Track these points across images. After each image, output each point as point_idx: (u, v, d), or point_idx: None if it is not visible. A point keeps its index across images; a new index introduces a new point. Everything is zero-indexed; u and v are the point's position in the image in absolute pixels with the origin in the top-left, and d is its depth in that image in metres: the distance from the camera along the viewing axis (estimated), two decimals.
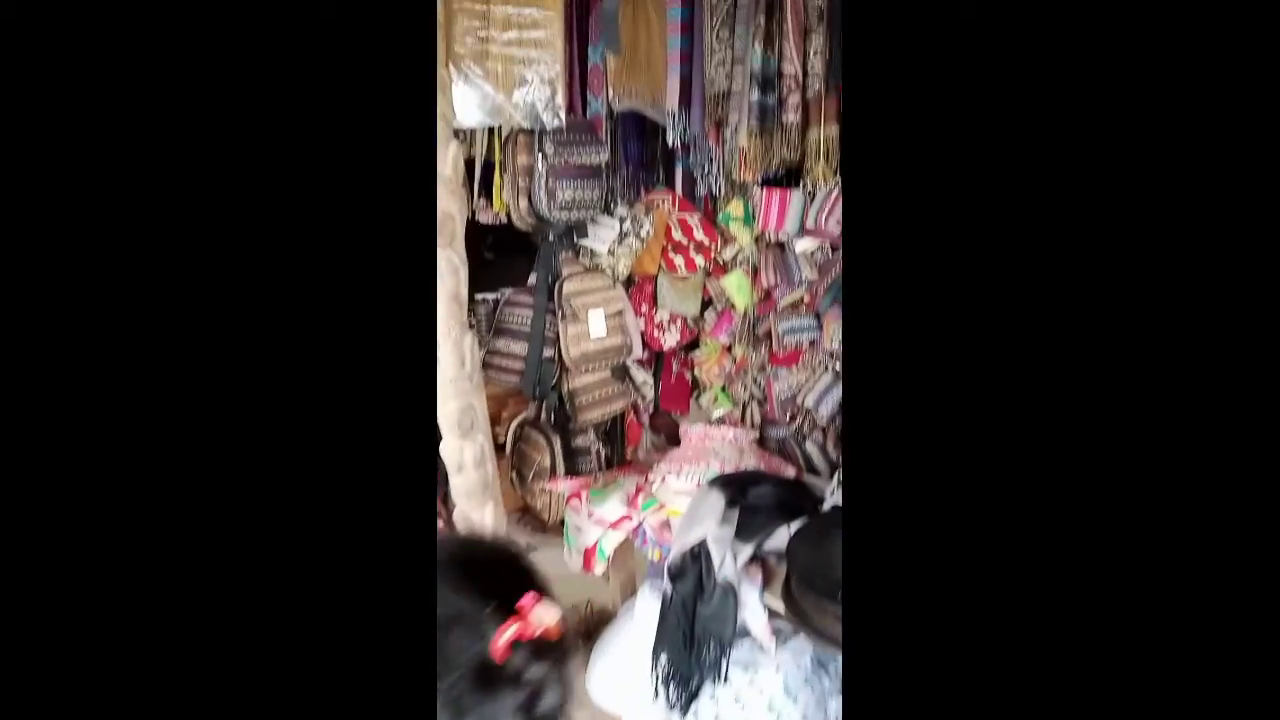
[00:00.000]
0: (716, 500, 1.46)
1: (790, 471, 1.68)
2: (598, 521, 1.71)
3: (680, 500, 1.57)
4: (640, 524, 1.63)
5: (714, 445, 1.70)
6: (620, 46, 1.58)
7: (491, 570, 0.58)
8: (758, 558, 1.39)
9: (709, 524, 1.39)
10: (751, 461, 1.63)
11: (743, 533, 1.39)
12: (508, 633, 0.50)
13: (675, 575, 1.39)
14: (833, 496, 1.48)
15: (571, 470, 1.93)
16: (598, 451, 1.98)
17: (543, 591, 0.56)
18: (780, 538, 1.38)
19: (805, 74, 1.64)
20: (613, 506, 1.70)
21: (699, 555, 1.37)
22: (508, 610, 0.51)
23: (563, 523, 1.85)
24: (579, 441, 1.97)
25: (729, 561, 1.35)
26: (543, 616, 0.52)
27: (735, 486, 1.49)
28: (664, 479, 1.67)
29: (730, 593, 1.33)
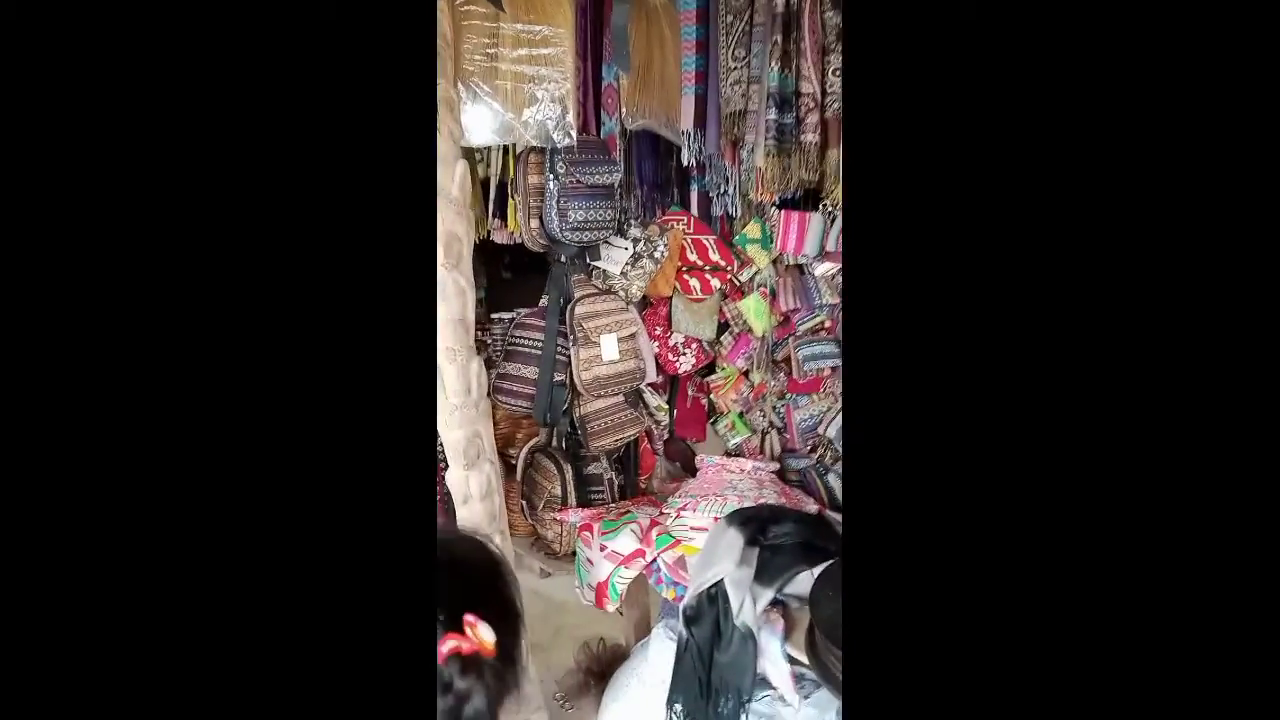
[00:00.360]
0: (734, 539, 1.37)
1: (812, 507, 1.59)
2: (610, 556, 1.63)
3: (696, 537, 1.49)
4: (654, 560, 1.55)
5: (732, 478, 1.61)
6: (630, 64, 1.54)
7: (462, 572, 0.63)
8: (779, 602, 1.30)
9: (726, 564, 1.31)
10: (772, 496, 1.55)
11: (763, 575, 1.30)
12: (448, 645, 0.56)
13: (691, 618, 1.30)
14: None
15: (583, 500, 1.85)
16: (610, 480, 1.90)
17: (509, 604, 0.64)
18: (803, 582, 1.29)
19: (824, 93, 1.59)
20: (626, 540, 1.62)
21: (716, 598, 1.29)
22: (456, 621, 0.57)
23: (574, 553, 1.77)
24: (591, 469, 1.90)
25: (748, 606, 1.26)
26: (483, 636, 0.57)
27: (755, 524, 1.40)
28: (679, 513, 1.59)
29: (749, 640, 1.24)
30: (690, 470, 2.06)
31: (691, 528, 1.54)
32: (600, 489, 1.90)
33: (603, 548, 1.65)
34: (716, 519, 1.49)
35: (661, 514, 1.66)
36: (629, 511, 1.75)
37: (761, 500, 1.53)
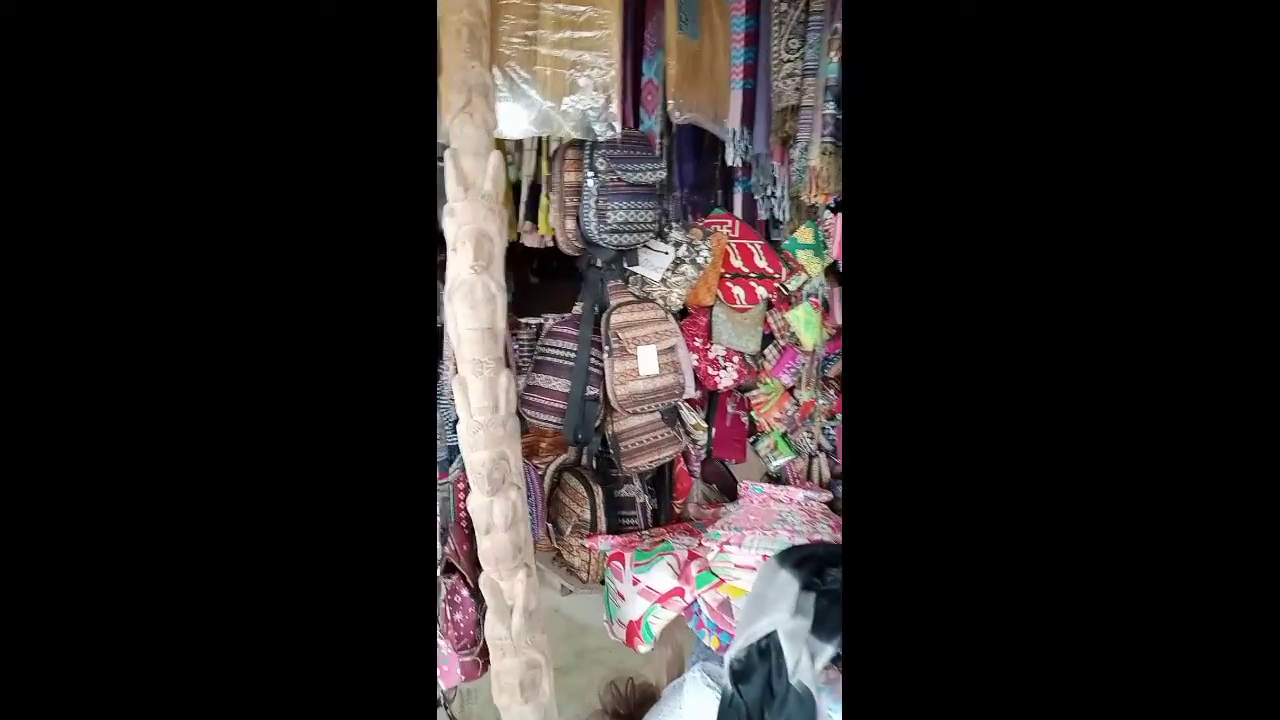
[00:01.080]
0: (788, 583, 1.21)
1: None
2: (644, 592, 1.48)
3: (743, 576, 1.33)
4: (694, 601, 1.39)
5: (780, 509, 1.45)
6: (698, 30, 1.39)
7: None
8: (841, 659, 1.14)
9: (780, 612, 1.15)
10: (827, 532, 1.38)
11: (822, 627, 1.14)
12: None
13: (739, 674, 1.15)
14: None
15: (614, 526, 1.71)
16: (644, 505, 1.75)
17: None
18: None
19: None
20: (661, 575, 1.47)
21: (768, 651, 1.13)
22: None
23: (603, 582, 1.63)
24: (623, 492, 1.75)
25: (805, 662, 1.10)
26: None
27: (811, 565, 1.24)
28: (722, 547, 1.43)
29: (807, 702, 1.08)
30: (730, 494, 1.90)
31: (736, 565, 1.38)
32: (633, 514, 1.76)
33: (635, 581, 1.50)
34: (765, 556, 1.33)
35: (701, 545, 1.51)
36: (664, 541, 1.60)
37: (816, 537, 1.37)
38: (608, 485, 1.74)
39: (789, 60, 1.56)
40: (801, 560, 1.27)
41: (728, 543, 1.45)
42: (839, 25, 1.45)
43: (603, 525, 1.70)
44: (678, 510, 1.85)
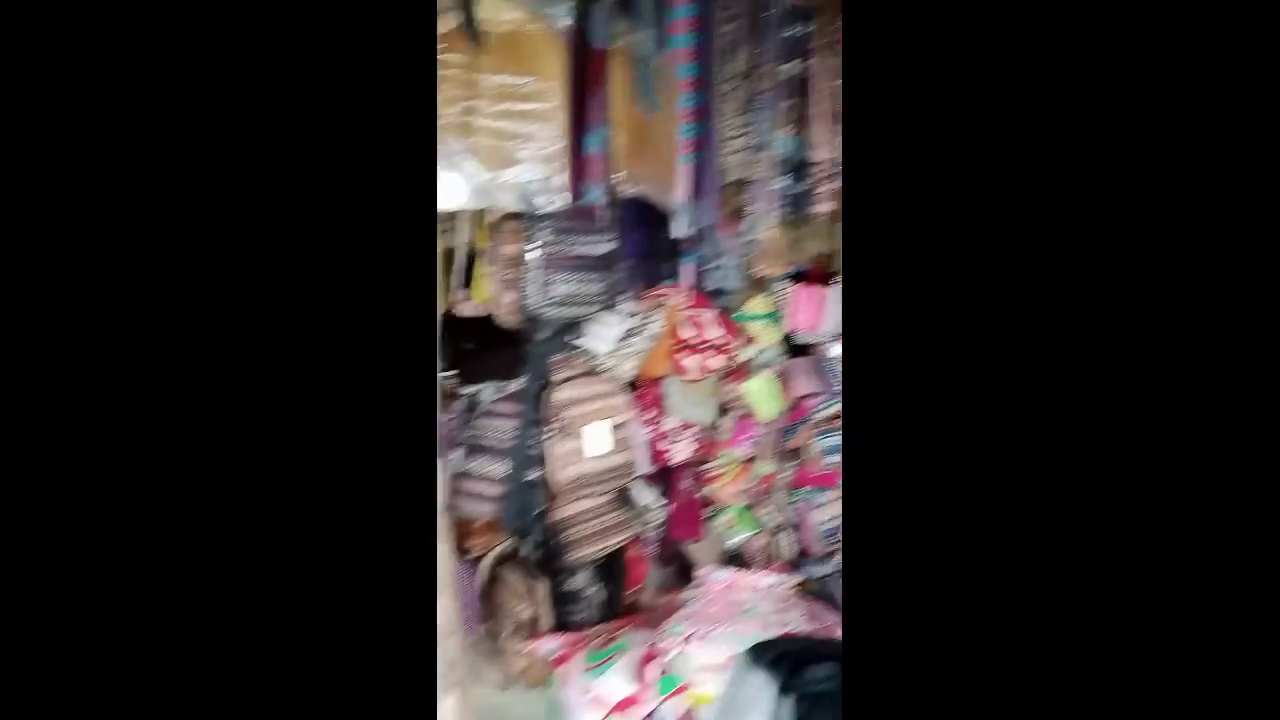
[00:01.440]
0: (763, 686, 1.09)
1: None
2: (596, 701, 1.31)
3: (709, 680, 1.20)
4: (654, 711, 1.24)
5: (746, 598, 1.34)
6: (657, 102, 1.37)
7: None
8: None
9: None
10: (799, 620, 1.28)
11: None
12: None
13: None
14: None
15: (561, 623, 1.54)
16: (593, 597, 1.60)
17: None
18: None
19: (838, 161, 1.47)
20: (616, 680, 1.31)
21: None
22: None
23: (547, 687, 1.45)
24: (570, 584, 1.60)
25: None
26: None
27: (787, 664, 1.13)
28: (683, 644, 1.30)
29: None
30: (686, 577, 1.77)
31: (701, 666, 1.25)
32: (581, 608, 1.60)
33: (588, 689, 1.33)
34: (734, 656, 1.21)
35: (660, 642, 1.36)
36: (617, 639, 1.44)
37: (789, 629, 1.26)
38: (552, 578, 1.58)
39: (737, 136, 1.57)
40: (776, 658, 1.15)
41: (690, 637, 1.31)
42: (790, 103, 1.48)
43: (547, 623, 1.53)
44: (631, 602, 1.70)
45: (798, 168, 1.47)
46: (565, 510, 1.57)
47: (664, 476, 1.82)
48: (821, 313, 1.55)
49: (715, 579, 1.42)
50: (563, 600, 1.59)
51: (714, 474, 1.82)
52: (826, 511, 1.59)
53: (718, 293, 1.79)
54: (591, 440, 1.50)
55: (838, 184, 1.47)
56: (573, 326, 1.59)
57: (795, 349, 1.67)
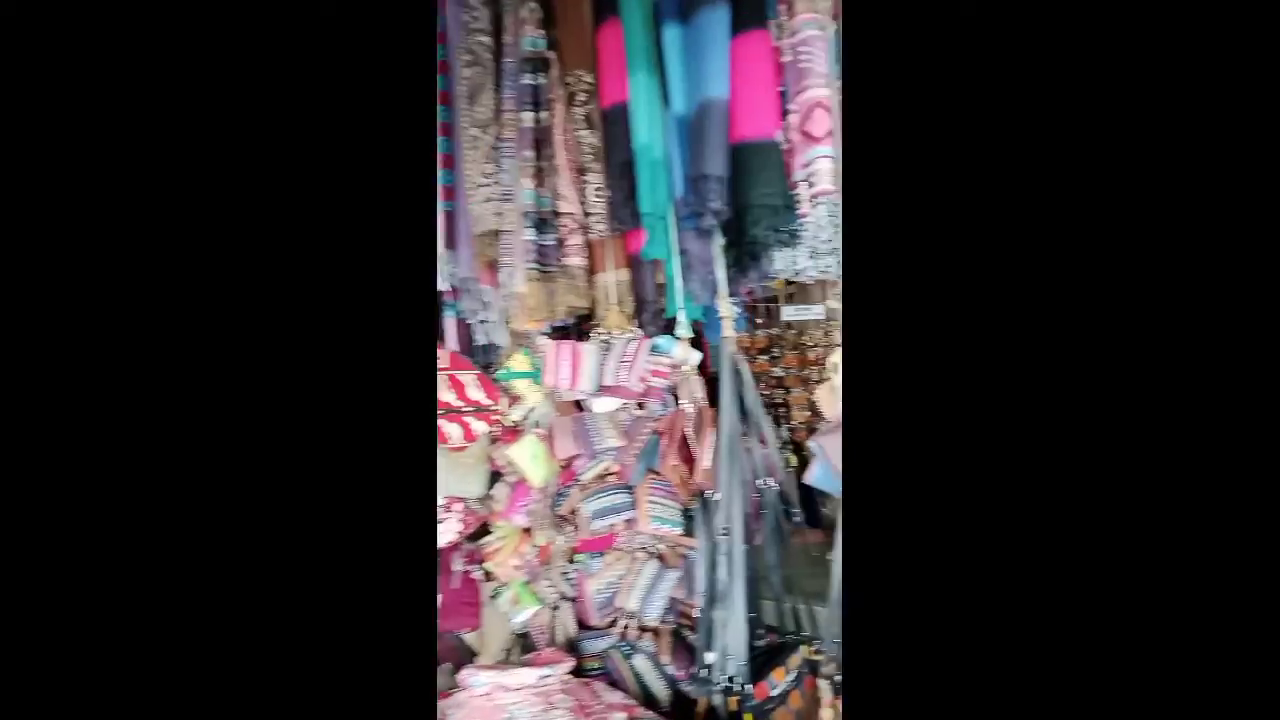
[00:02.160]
0: None
1: (619, 716, 1.22)
2: None
3: None
4: None
5: (507, 701, 1.18)
6: None
7: None
8: None
9: None
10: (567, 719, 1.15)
11: None
12: None
13: None
14: None
15: None
16: None
17: None
18: None
19: (586, 214, 1.44)
20: None
21: None
22: None
23: None
24: None
25: None
26: None
27: None
28: None
29: None
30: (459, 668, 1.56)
31: None
32: None
33: None
34: None
35: None
36: None
37: None
38: None
39: (484, 184, 1.48)
40: None
41: None
42: (530, 154, 1.43)
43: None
44: None
45: (545, 219, 1.41)
46: None
47: None
48: (579, 369, 1.49)
49: (474, 686, 1.23)
50: None
51: (492, 549, 1.65)
52: (603, 579, 1.50)
53: (480, 350, 1.66)
54: None
55: (586, 237, 1.44)
56: None
57: (558, 408, 1.58)
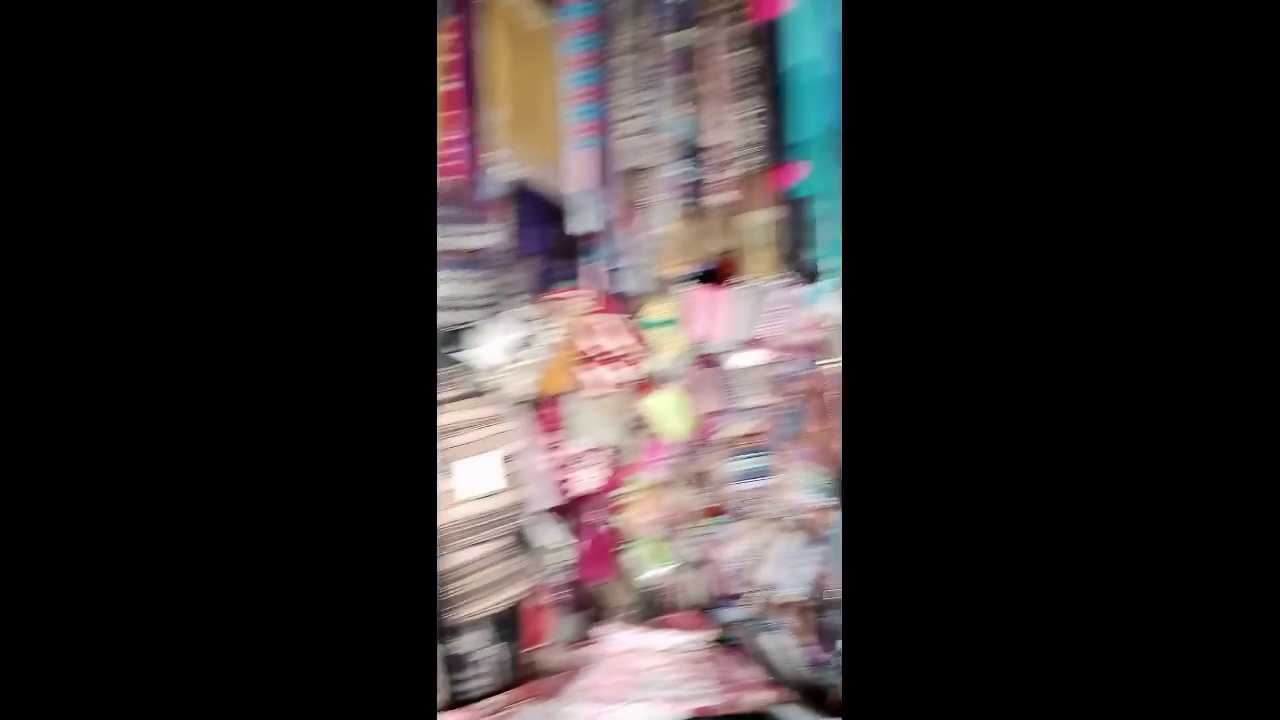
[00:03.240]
0: None
1: (763, 694, 1.12)
2: None
3: None
4: None
5: (647, 664, 1.12)
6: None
7: None
8: None
9: None
10: (708, 691, 1.07)
11: None
12: None
13: None
14: None
15: (452, 698, 1.28)
16: (489, 659, 1.35)
17: None
18: None
19: (738, 145, 1.31)
20: None
21: None
22: None
23: None
24: (459, 648, 1.34)
25: None
26: None
27: None
28: None
29: None
30: (598, 621, 1.55)
31: None
32: (476, 675, 1.34)
33: None
34: None
35: None
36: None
37: (698, 705, 1.04)
38: (440, 642, 1.32)
39: (635, 116, 1.40)
40: None
41: None
42: (682, 80, 1.32)
43: (438, 698, 1.26)
44: (528, 662, 1.46)
45: (692, 153, 1.30)
46: (450, 560, 1.32)
47: (569, 510, 1.60)
48: (716, 319, 1.38)
49: (613, 643, 1.19)
50: (453, 667, 1.33)
51: (622, 503, 1.62)
52: (739, 545, 1.41)
53: (621, 296, 1.60)
54: (466, 478, 1.26)
55: (733, 172, 1.31)
56: (451, 337, 1.35)
57: (700, 359, 1.49)
